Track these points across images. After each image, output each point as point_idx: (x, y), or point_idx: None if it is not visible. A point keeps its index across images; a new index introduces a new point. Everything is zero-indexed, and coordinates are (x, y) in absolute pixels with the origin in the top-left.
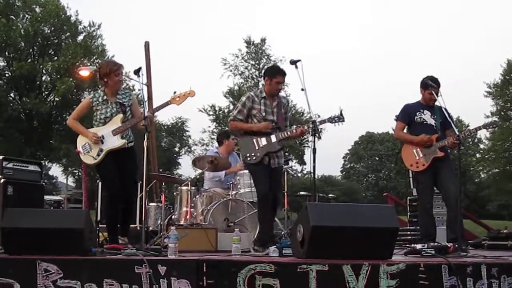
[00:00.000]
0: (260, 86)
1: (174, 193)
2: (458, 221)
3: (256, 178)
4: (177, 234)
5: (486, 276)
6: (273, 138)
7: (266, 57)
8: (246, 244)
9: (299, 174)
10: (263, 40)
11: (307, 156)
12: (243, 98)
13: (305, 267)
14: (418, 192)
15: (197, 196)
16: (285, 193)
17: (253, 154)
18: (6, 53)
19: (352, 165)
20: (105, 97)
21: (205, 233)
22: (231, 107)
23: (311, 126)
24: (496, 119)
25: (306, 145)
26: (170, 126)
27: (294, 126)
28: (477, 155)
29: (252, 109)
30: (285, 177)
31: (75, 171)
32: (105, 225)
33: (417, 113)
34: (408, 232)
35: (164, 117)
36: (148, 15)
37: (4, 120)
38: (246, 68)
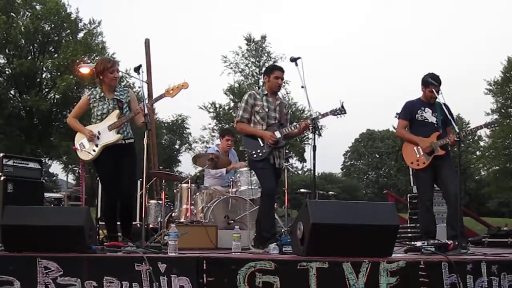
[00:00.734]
0: (261, 84)
1: (174, 191)
2: (458, 219)
3: (263, 174)
4: (177, 232)
5: (486, 274)
6: (277, 134)
7: (266, 54)
8: (246, 241)
9: (300, 172)
10: (264, 38)
11: (308, 153)
12: (245, 97)
13: (305, 264)
14: (418, 190)
15: (197, 194)
16: (285, 190)
17: (258, 151)
18: (7, 50)
19: (352, 162)
20: (102, 94)
21: (205, 230)
22: (232, 104)
23: (310, 122)
24: (497, 116)
25: (306, 142)
26: (170, 123)
27: (295, 124)
28: (477, 152)
29: (254, 105)
30: (285, 175)
31: (75, 168)
32: (104, 223)
33: (418, 111)
34: (408, 230)
35: (165, 114)
36: (149, 13)
37: (5, 118)
38: (246, 65)
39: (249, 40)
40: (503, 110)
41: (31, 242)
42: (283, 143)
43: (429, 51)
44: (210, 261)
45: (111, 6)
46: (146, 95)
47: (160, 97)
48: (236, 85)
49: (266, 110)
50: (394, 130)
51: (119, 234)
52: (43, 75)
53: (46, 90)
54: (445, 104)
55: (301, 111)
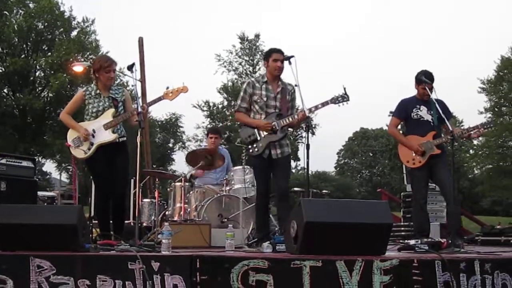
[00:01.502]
0: (261, 72)
1: (168, 189)
2: (454, 216)
3: (255, 174)
4: (171, 230)
5: (480, 272)
6: (276, 126)
7: (260, 53)
8: (240, 240)
9: (293, 170)
10: (257, 36)
11: (301, 152)
12: (244, 85)
13: (299, 263)
14: (413, 188)
15: (191, 192)
16: None
17: (255, 145)
18: (0, 48)
19: (346, 161)
20: (97, 91)
21: (199, 229)
22: (225, 103)
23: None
24: (490, 115)
25: (300, 141)
26: (164, 122)
27: (293, 115)
28: (471, 151)
29: (253, 95)
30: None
31: (68, 167)
32: (97, 221)
33: (414, 109)
34: (402, 228)
35: (158, 113)
36: (142, 11)
37: None
38: (240, 64)
39: (242, 38)
40: (496, 109)
41: (24, 240)
42: (280, 136)
43: (423, 50)
44: (204, 260)
45: (105, 5)
46: (139, 93)
47: (159, 99)
48: (230, 83)
49: (265, 99)
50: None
51: (112, 232)
52: (37, 74)
53: (40, 88)
54: (440, 101)
55: (295, 110)
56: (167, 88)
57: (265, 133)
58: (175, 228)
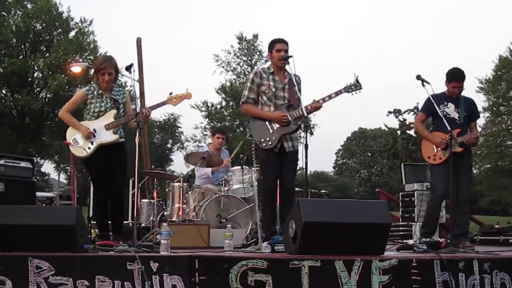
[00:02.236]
0: (266, 64)
1: (167, 190)
2: (464, 219)
3: (264, 169)
4: (169, 231)
5: (478, 271)
6: (289, 118)
7: (258, 53)
8: (239, 240)
9: None
10: (255, 36)
11: (300, 152)
12: (251, 75)
13: (297, 263)
14: (431, 185)
15: (189, 192)
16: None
17: (268, 139)
18: None
19: (344, 161)
20: (100, 91)
21: (198, 229)
22: (224, 103)
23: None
24: (488, 114)
25: (298, 141)
26: (162, 122)
27: (305, 105)
28: None
29: (261, 85)
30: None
31: (67, 167)
32: (96, 222)
33: (441, 106)
34: (401, 228)
35: (157, 113)
36: (140, 12)
37: None
38: (238, 64)
39: (241, 39)
40: (494, 108)
41: (22, 241)
42: (294, 127)
43: (421, 50)
44: (202, 260)
45: (103, 5)
46: (138, 94)
47: (162, 103)
48: (228, 83)
49: (273, 90)
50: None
51: (110, 233)
52: (35, 74)
53: (38, 89)
54: (470, 100)
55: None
56: (171, 93)
57: (277, 125)
58: (174, 229)
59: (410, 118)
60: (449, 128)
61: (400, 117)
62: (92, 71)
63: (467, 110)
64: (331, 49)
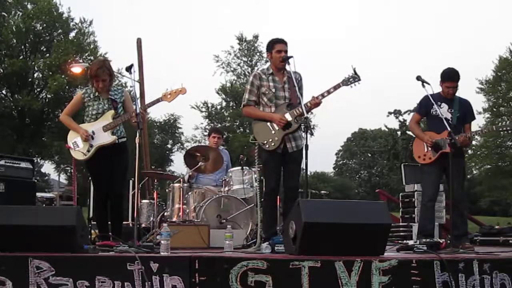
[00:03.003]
0: (265, 66)
1: (167, 190)
2: (461, 219)
3: (266, 171)
4: (170, 231)
5: (478, 272)
6: (288, 116)
7: (258, 53)
8: (239, 240)
9: None
10: (256, 37)
11: None
12: (250, 78)
13: (298, 263)
14: (422, 186)
15: (190, 193)
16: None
17: (270, 139)
18: None
19: (344, 161)
20: (96, 93)
21: (198, 229)
22: (224, 104)
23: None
24: (488, 115)
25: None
26: (162, 123)
27: (305, 103)
28: (469, 151)
29: (261, 87)
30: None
31: (67, 168)
32: (96, 223)
33: (434, 106)
34: (401, 229)
35: (157, 114)
36: (141, 12)
37: None
38: (238, 65)
39: (241, 39)
40: (494, 109)
41: (23, 242)
42: (295, 126)
43: (421, 50)
44: (203, 261)
45: (103, 6)
46: (138, 95)
47: (157, 101)
48: (228, 84)
49: (273, 90)
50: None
51: (110, 233)
52: (35, 75)
53: (38, 89)
54: (465, 101)
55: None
56: (166, 90)
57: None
58: (174, 229)
59: (410, 118)
60: (449, 129)
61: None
62: (89, 71)
63: (461, 111)
64: (330, 49)
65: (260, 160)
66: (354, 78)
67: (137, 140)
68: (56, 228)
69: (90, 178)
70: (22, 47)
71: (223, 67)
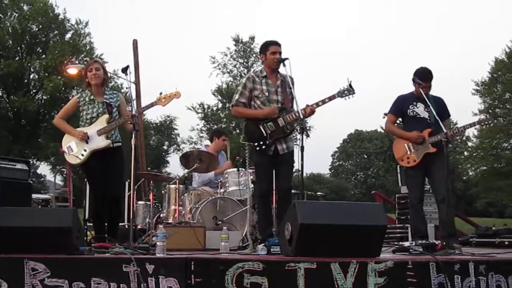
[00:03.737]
0: (259, 67)
1: (162, 191)
2: (447, 219)
3: (259, 173)
4: (165, 233)
5: (474, 274)
6: (281, 121)
7: (254, 55)
8: (235, 242)
9: None
10: (252, 38)
11: (296, 154)
12: (243, 80)
13: (293, 265)
14: (408, 188)
15: (186, 194)
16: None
17: (261, 142)
18: None
19: (340, 163)
20: (92, 97)
21: (194, 231)
22: (220, 105)
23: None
24: (484, 117)
25: (294, 143)
26: (158, 124)
27: (300, 109)
28: (465, 153)
29: (253, 90)
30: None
31: (63, 169)
32: (92, 224)
33: (410, 106)
34: (397, 230)
35: (153, 115)
36: (137, 13)
37: None
38: (234, 66)
39: (237, 41)
40: (490, 111)
41: (18, 243)
42: (287, 132)
43: (417, 52)
44: (198, 262)
45: (99, 7)
46: (134, 96)
47: (151, 105)
48: (224, 85)
49: (267, 94)
50: (383, 131)
51: (106, 235)
52: (31, 76)
53: (34, 91)
54: (439, 99)
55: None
56: (160, 93)
57: (272, 128)
58: (170, 231)
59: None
60: (447, 128)
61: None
62: (83, 74)
63: (438, 108)
64: (326, 49)
65: (252, 161)
66: (349, 91)
67: (133, 142)
68: (52, 229)
69: (86, 179)
70: (18, 48)
71: (219, 69)
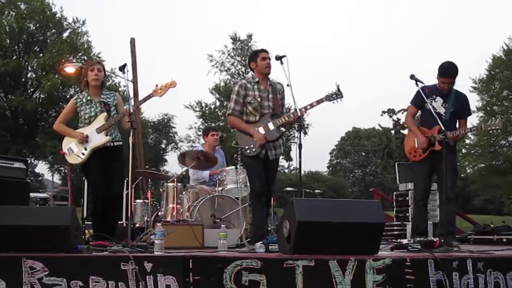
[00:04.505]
0: (250, 74)
1: (161, 190)
2: (449, 218)
3: (251, 174)
4: (164, 231)
5: (472, 271)
6: (271, 125)
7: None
8: (233, 240)
9: (286, 170)
10: (249, 36)
11: (294, 152)
12: (236, 88)
13: (292, 262)
14: (413, 184)
15: (184, 193)
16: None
17: (252, 145)
18: None
19: (338, 160)
20: (89, 98)
21: (192, 229)
22: (218, 103)
23: (302, 111)
24: (482, 114)
25: (292, 141)
26: (156, 122)
27: (290, 113)
28: (463, 150)
29: (246, 96)
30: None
31: (61, 168)
32: (91, 223)
33: (429, 99)
34: (395, 227)
35: (151, 113)
36: (134, 12)
37: None
38: (232, 64)
39: (235, 39)
40: (488, 108)
41: (16, 242)
42: (277, 135)
43: (414, 49)
44: (197, 260)
45: (96, 5)
46: (131, 94)
47: (148, 97)
48: (222, 84)
49: (259, 99)
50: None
51: (105, 233)
52: (28, 75)
53: (32, 90)
54: (462, 96)
55: (287, 110)
56: (156, 85)
57: (262, 132)
58: (168, 229)
59: (404, 118)
60: (441, 126)
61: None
62: (82, 75)
63: (456, 106)
64: (324, 49)
65: (244, 164)
66: (337, 95)
67: (130, 140)
68: (50, 228)
69: (84, 178)
70: (16, 47)
71: (217, 67)
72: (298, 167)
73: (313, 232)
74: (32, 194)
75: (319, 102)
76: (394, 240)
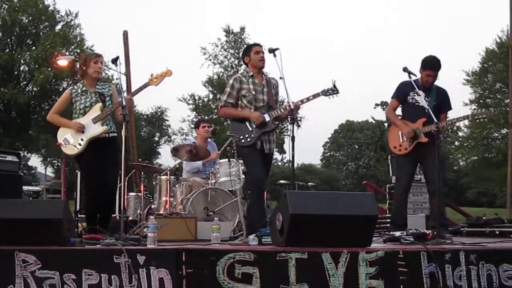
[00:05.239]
0: (243, 68)
1: (154, 183)
2: (439, 210)
3: (249, 162)
4: (157, 224)
5: (465, 263)
6: (266, 117)
7: (245, 46)
8: (226, 233)
9: (279, 163)
10: (243, 29)
11: (287, 144)
12: (231, 81)
13: (284, 255)
14: (396, 177)
15: (177, 186)
16: None
17: (246, 135)
18: None
19: (332, 153)
20: (84, 88)
21: (185, 222)
22: (211, 96)
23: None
24: (475, 107)
25: (285, 133)
26: (149, 115)
27: (284, 105)
28: (456, 142)
29: (241, 89)
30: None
31: (54, 161)
32: (84, 215)
33: (411, 93)
34: (387, 220)
35: (144, 106)
36: (127, 4)
37: None
38: (225, 57)
39: (228, 31)
40: (481, 101)
41: (9, 235)
42: (273, 126)
43: (407, 42)
44: (190, 253)
45: None
46: (124, 87)
47: (144, 86)
48: (215, 76)
49: (253, 93)
50: (373, 121)
51: (98, 226)
52: (21, 68)
53: (24, 83)
54: (443, 91)
55: (281, 102)
56: (152, 74)
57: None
58: (161, 222)
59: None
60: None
61: None
62: (78, 65)
63: (438, 100)
64: (320, 45)
65: (241, 154)
66: (333, 91)
67: (123, 133)
68: (42, 221)
69: (77, 171)
70: (8, 40)
71: (210, 60)
72: (291, 159)
73: (306, 225)
74: (25, 187)
75: (315, 96)
76: (387, 233)
